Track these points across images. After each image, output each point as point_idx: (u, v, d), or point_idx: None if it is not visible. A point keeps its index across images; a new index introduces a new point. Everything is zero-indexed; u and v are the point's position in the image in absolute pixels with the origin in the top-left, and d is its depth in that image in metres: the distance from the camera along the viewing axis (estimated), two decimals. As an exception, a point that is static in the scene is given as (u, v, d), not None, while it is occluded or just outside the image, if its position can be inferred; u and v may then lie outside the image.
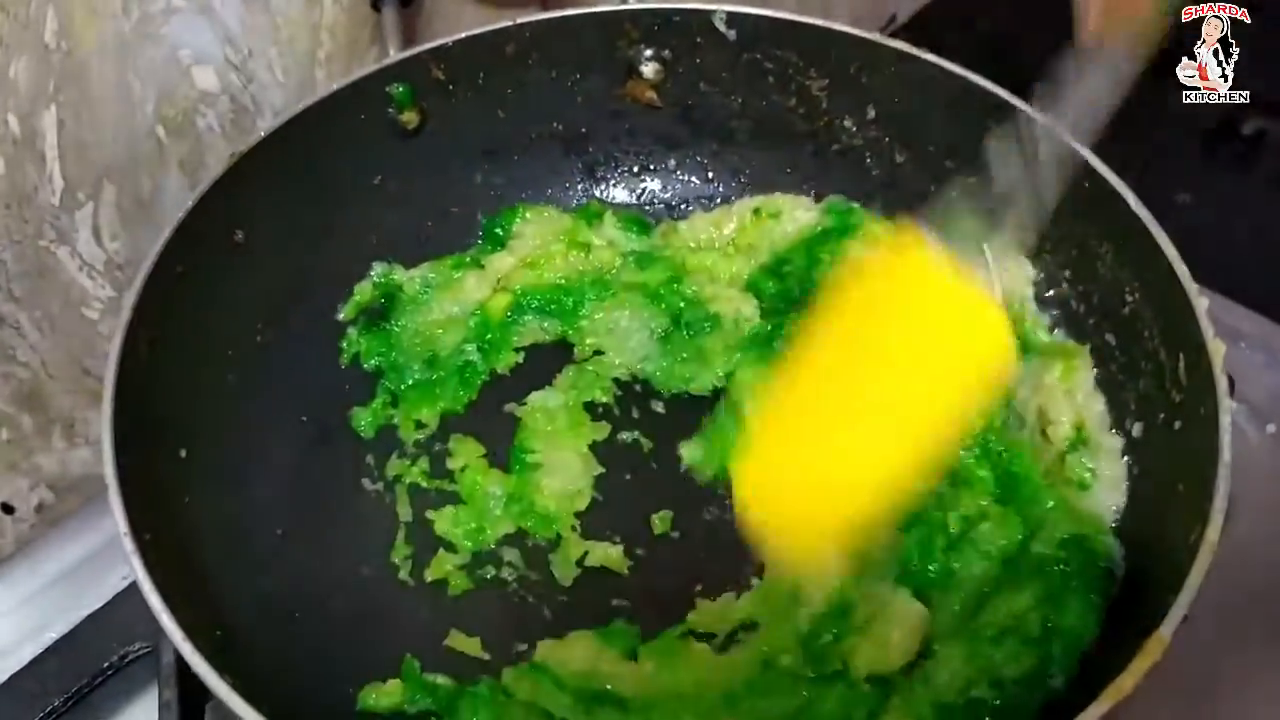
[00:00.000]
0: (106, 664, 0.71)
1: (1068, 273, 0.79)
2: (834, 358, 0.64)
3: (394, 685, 0.68)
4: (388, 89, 0.82)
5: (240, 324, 0.78)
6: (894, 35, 0.84)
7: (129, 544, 0.58)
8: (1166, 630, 0.55)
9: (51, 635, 0.74)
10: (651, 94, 0.89)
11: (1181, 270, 0.68)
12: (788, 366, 0.66)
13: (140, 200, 0.84)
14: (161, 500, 0.64)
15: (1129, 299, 0.74)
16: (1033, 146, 0.63)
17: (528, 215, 0.90)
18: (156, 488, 0.64)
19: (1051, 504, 0.72)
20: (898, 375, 0.62)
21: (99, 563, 0.81)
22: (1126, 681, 0.54)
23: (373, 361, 0.84)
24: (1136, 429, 0.73)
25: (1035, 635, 0.66)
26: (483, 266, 0.89)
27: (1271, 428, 0.85)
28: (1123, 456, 0.73)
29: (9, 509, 0.86)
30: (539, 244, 0.89)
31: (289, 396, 0.80)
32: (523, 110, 0.88)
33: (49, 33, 0.72)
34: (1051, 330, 0.81)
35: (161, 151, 0.84)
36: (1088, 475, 0.73)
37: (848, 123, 0.87)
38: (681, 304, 0.87)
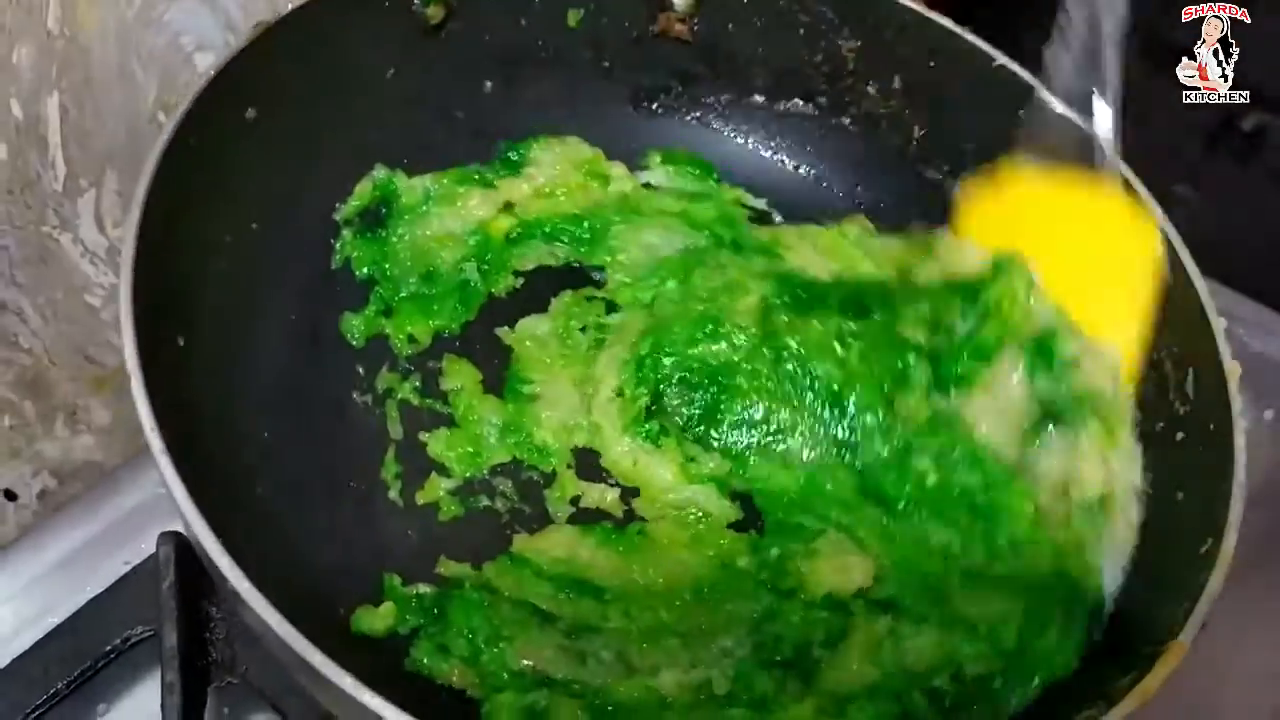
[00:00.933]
0: (109, 647, 0.72)
1: None
2: None
3: (387, 608, 0.68)
4: None
5: (241, 209, 0.76)
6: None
7: (155, 440, 0.58)
8: (1186, 637, 0.56)
9: (54, 619, 0.74)
10: (682, 27, 0.89)
11: (1200, 287, 0.69)
12: None
13: (142, 187, 0.84)
14: (167, 390, 0.63)
15: None
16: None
17: (548, 142, 0.89)
18: (161, 376, 0.62)
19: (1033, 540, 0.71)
20: None
21: (101, 548, 0.81)
22: (1150, 684, 0.55)
23: (364, 270, 0.83)
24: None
25: (1009, 649, 0.66)
26: (494, 186, 0.87)
27: (1269, 414, 0.85)
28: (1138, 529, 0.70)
29: (12, 495, 0.87)
30: (557, 173, 0.88)
31: (280, 292, 0.79)
32: (546, 24, 0.87)
33: (51, 19, 0.72)
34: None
35: (163, 139, 0.84)
36: (1091, 537, 0.70)
37: (871, 89, 0.87)
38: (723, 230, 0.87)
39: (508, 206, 0.87)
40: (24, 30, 0.71)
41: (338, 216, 0.84)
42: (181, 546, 0.72)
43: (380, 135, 0.84)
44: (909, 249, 0.84)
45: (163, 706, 0.67)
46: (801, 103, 0.90)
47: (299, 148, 0.79)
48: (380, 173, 0.85)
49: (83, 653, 0.71)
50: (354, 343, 0.80)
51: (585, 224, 0.87)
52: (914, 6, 0.82)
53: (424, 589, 0.69)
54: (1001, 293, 0.75)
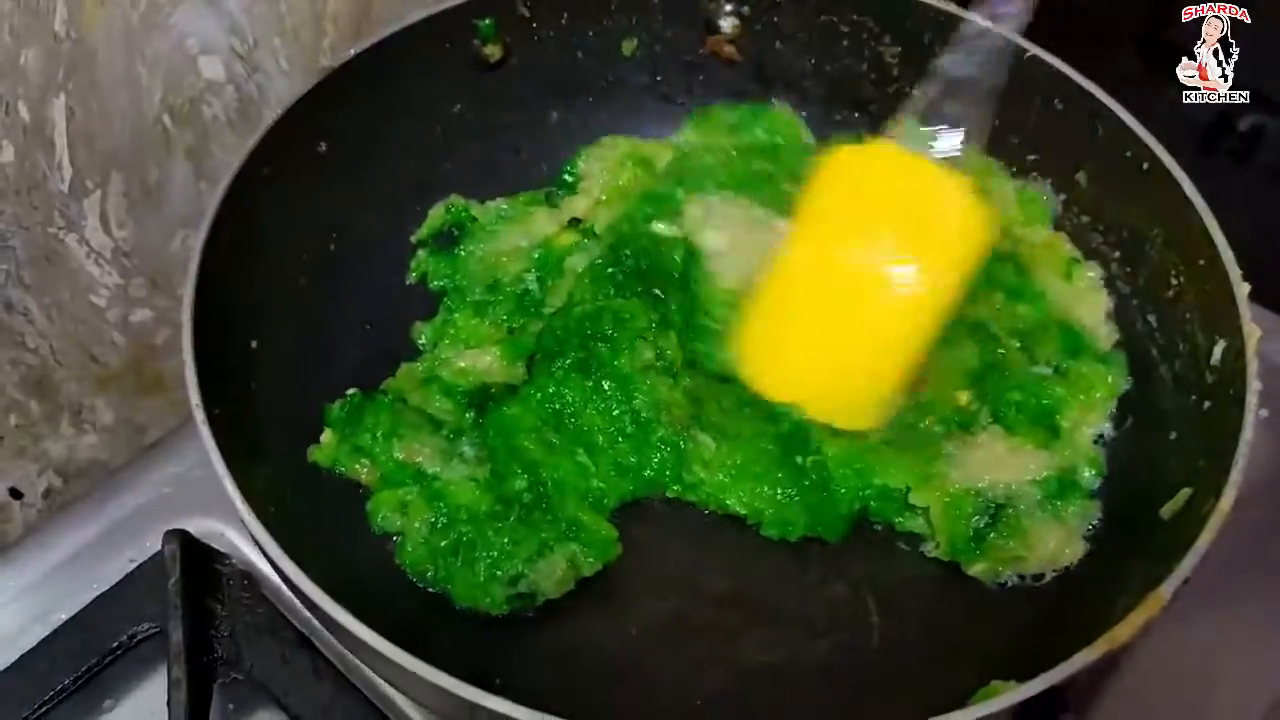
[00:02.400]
0: (115, 644, 0.72)
1: (1118, 254, 0.81)
2: (823, 245, 0.72)
3: (327, 434, 0.76)
4: (474, 21, 0.85)
5: (316, 231, 0.81)
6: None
7: (200, 414, 0.62)
8: (1167, 589, 0.57)
9: (61, 616, 0.74)
10: (731, 49, 0.92)
11: (1228, 256, 0.69)
12: (784, 256, 0.75)
13: (147, 188, 0.85)
14: (230, 384, 0.68)
15: (1173, 282, 0.75)
16: (977, 49, 0.66)
17: (588, 152, 0.92)
18: (226, 372, 0.67)
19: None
20: (878, 257, 0.69)
21: (107, 546, 0.81)
22: (1122, 631, 0.55)
23: (439, 283, 0.87)
24: (1168, 402, 0.74)
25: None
26: (558, 206, 0.91)
27: (1264, 412, 0.86)
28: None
29: (17, 494, 0.87)
30: (606, 177, 0.91)
31: (355, 304, 0.84)
32: (601, 54, 0.91)
33: (58, 22, 0.73)
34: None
35: (168, 140, 0.85)
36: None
37: (916, 92, 0.87)
38: None
39: (572, 222, 0.89)
40: (31, 33, 0.72)
41: (413, 238, 0.88)
42: (187, 544, 0.73)
43: (450, 164, 0.89)
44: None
45: (169, 702, 0.68)
46: (855, 114, 0.92)
47: (371, 177, 0.84)
48: (453, 199, 0.89)
49: (89, 649, 0.72)
50: (424, 349, 0.84)
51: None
52: (948, 8, 0.83)
53: (352, 391, 0.77)
54: (1092, 382, 0.78)
